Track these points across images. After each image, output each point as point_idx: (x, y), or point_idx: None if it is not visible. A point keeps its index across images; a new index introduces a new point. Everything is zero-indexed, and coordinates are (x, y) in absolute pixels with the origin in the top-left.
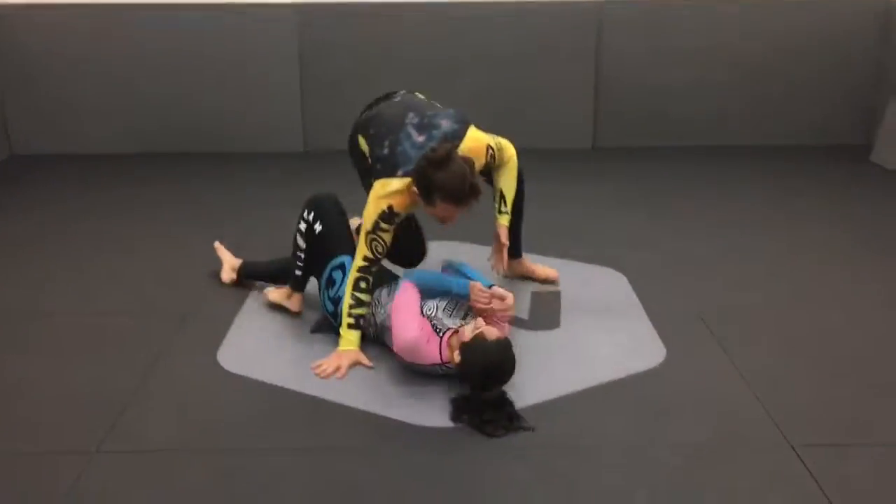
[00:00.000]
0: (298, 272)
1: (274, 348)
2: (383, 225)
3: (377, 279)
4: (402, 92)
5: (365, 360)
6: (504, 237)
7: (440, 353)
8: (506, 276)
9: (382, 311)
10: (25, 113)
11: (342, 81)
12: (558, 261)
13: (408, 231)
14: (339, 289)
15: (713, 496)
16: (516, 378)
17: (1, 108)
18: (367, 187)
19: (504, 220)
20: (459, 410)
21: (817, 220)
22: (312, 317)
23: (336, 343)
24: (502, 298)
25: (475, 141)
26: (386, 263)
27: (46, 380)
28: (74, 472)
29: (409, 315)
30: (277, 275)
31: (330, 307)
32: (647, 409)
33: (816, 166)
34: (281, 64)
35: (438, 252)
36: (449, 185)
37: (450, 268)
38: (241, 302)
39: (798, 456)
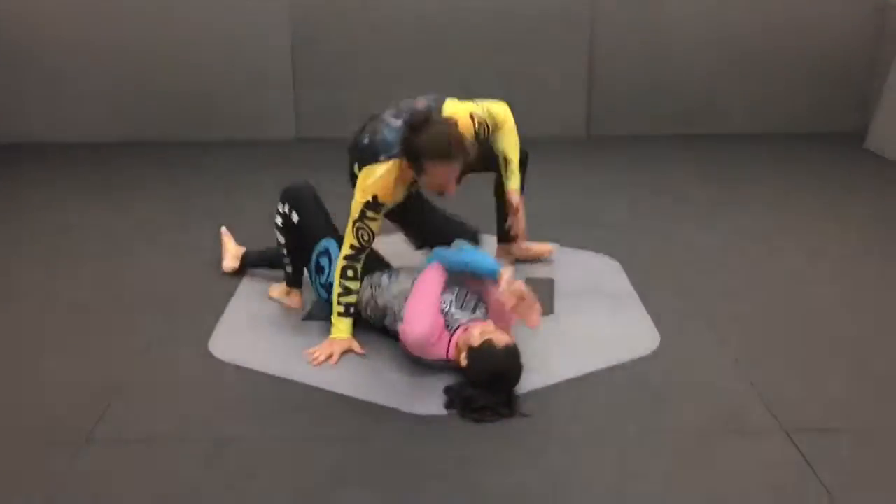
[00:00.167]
0: (288, 268)
1: (265, 337)
2: (369, 214)
3: (370, 266)
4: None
5: (357, 348)
6: (515, 201)
7: (447, 352)
8: (503, 259)
9: (386, 294)
10: (10, 101)
11: (334, 68)
12: (553, 248)
13: (444, 218)
14: (328, 275)
15: (707, 481)
16: None
17: None
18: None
19: (514, 184)
20: (453, 398)
21: (812, 207)
22: (304, 307)
23: (328, 331)
24: (531, 305)
25: (453, 112)
26: (390, 251)
27: (35, 370)
28: (64, 462)
29: (426, 305)
30: (279, 259)
31: (324, 294)
32: (641, 395)
33: (811, 153)
34: (273, 50)
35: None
36: (432, 144)
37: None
38: (232, 290)
39: (791, 440)
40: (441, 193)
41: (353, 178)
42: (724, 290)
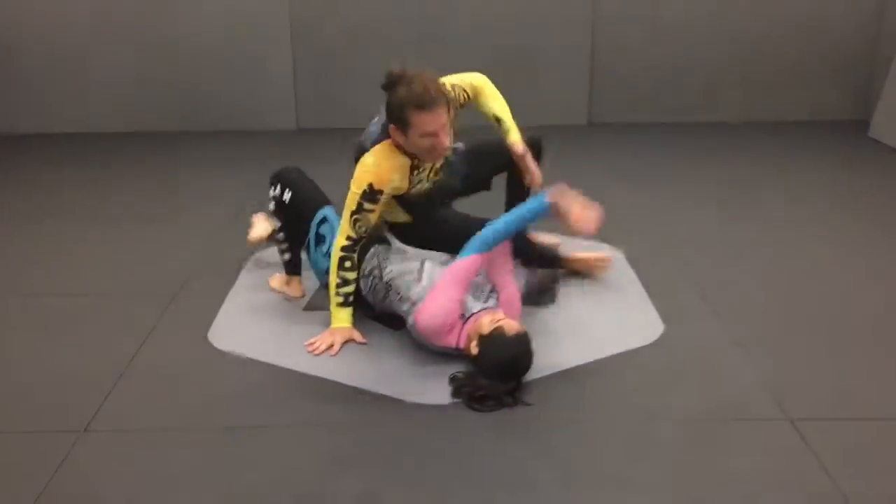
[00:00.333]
0: (286, 255)
1: (266, 326)
2: (367, 205)
3: (376, 239)
4: None
5: (358, 337)
6: (521, 149)
7: (457, 340)
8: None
9: (392, 269)
10: (7, 92)
11: (335, 57)
12: (554, 237)
13: (464, 217)
14: (330, 243)
15: (712, 469)
16: None
17: None
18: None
19: (513, 136)
20: (460, 387)
21: (815, 195)
22: (305, 294)
23: (329, 320)
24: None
25: None
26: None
27: (34, 360)
28: (62, 452)
29: (451, 294)
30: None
31: (325, 263)
32: (645, 383)
33: (815, 142)
34: (273, 39)
35: None
36: (411, 93)
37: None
38: (232, 280)
39: (796, 429)
40: (434, 150)
41: None
42: (728, 279)
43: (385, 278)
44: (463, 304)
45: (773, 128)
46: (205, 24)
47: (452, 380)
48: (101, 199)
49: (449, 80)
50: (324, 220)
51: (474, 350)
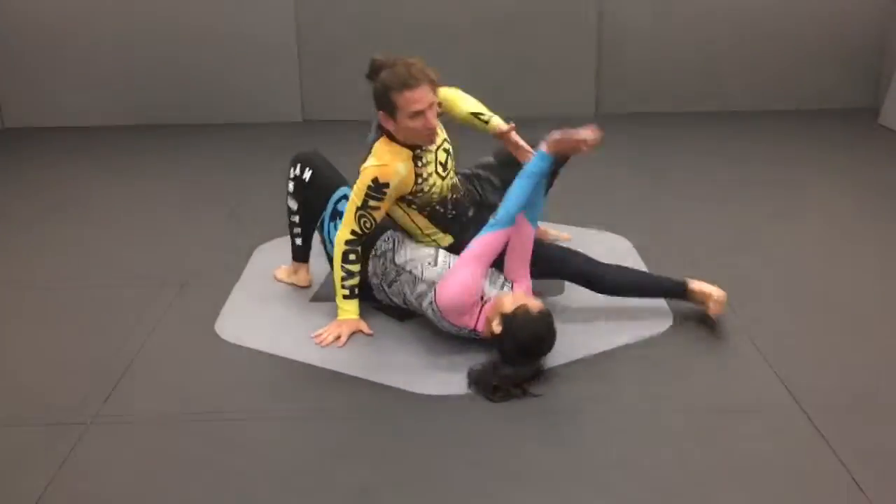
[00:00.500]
0: (298, 240)
1: (272, 317)
2: (371, 202)
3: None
4: None
5: (365, 328)
6: (506, 127)
7: (476, 322)
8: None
9: (407, 252)
10: (17, 86)
11: (340, 49)
12: (562, 227)
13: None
14: None
15: (724, 461)
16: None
17: None
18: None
19: (496, 122)
20: (478, 379)
21: (825, 184)
22: (312, 286)
23: (336, 311)
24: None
25: None
26: None
27: (42, 351)
28: (69, 443)
29: (476, 269)
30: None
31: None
32: (655, 374)
33: (824, 130)
34: (278, 31)
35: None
36: (393, 76)
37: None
38: (239, 271)
39: (810, 420)
40: (425, 129)
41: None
42: (738, 268)
43: (398, 261)
44: (480, 288)
45: (783, 116)
46: (209, 16)
47: (470, 373)
48: (104, 191)
49: None
50: (343, 196)
51: (497, 328)
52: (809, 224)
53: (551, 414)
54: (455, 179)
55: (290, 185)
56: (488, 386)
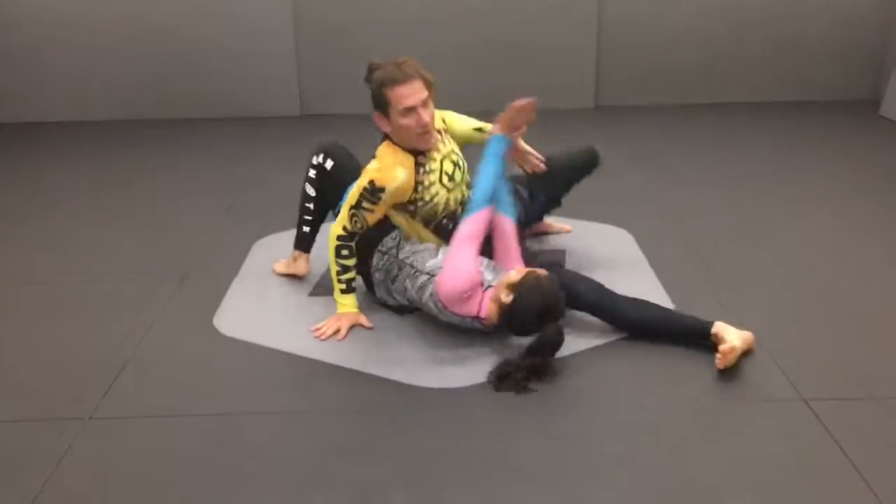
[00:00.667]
0: (306, 227)
1: (271, 312)
2: (366, 204)
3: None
4: None
5: (365, 322)
6: (493, 131)
7: (478, 309)
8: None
9: (409, 249)
10: (13, 81)
11: (339, 42)
12: (563, 220)
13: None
14: None
15: (726, 450)
16: (521, 338)
17: None
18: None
19: (489, 127)
20: (502, 374)
21: (827, 175)
22: (311, 280)
23: (335, 306)
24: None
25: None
26: None
27: (39, 346)
28: (68, 439)
29: (468, 251)
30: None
31: None
32: (655, 364)
33: (825, 121)
34: (275, 23)
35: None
36: (384, 73)
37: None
38: (237, 266)
39: (811, 409)
40: (418, 125)
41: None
42: (738, 259)
43: (400, 255)
44: (480, 271)
45: (784, 107)
46: (206, 9)
47: (491, 374)
48: (100, 186)
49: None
50: None
51: (507, 298)
52: (811, 214)
53: (550, 407)
54: (467, 194)
55: (312, 172)
56: (508, 376)
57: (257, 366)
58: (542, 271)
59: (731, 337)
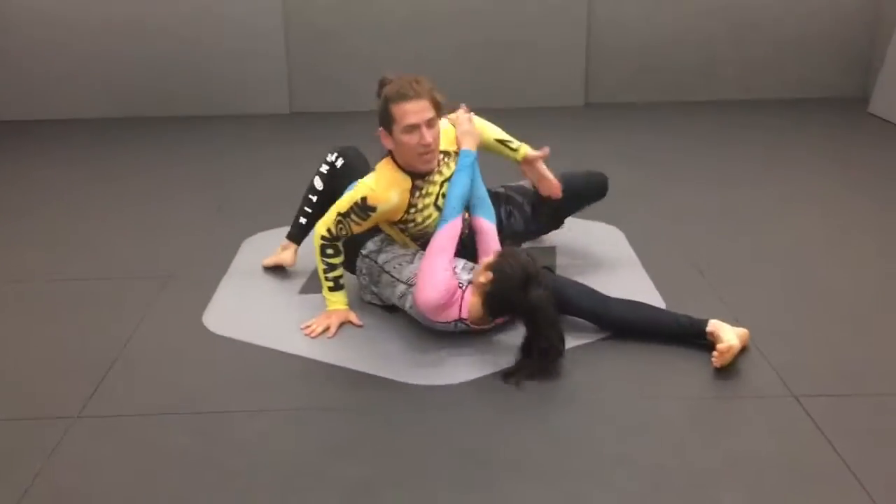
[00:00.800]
0: (303, 219)
1: (261, 310)
2: (354, 217)
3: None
4: None
5: (355, 319)
6: (539, 154)
7: (459, 312)
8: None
9: (388, 254)
10: (2, 79)
11: (329, 40)
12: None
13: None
14: None
15: (716, 446)
16: (515, 339)
17: None
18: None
19: (526, 150)
20: (514, 370)
21: (817, 172)
22: (301, 278)
23: (324, 304)
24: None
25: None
26: None
27: (27, 345)
28: (55, 438)
29: (440, 262)
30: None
31: None
32: (647, 361)
33: (814, 119)
34: (264, 21)
35: None
36: (392, 89)
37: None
38: (226, 264)
39: (802, 406)
40: (421, 144)
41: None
42: (728, 256)
43: (380, 261)
44: (455, 276)
45: (772, 105)
46: (197, 7)
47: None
48: (91, 184)
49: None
50: None
51: (485, 278)
52: (802, 211)
53: (544, 404)
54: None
55: (324, 167)
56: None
57: (247, 364)
58: (514, 248)
59: (728, 335)
